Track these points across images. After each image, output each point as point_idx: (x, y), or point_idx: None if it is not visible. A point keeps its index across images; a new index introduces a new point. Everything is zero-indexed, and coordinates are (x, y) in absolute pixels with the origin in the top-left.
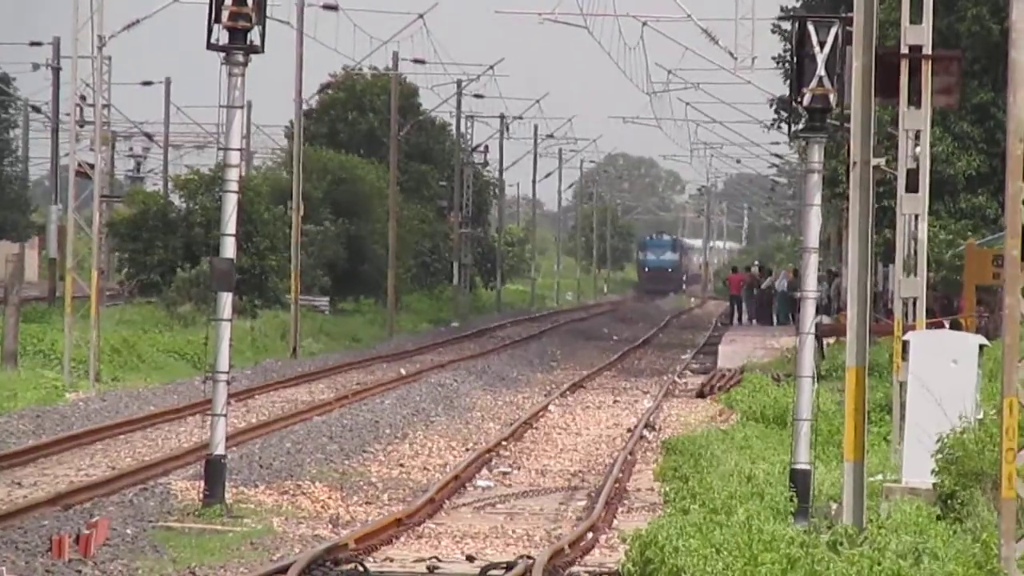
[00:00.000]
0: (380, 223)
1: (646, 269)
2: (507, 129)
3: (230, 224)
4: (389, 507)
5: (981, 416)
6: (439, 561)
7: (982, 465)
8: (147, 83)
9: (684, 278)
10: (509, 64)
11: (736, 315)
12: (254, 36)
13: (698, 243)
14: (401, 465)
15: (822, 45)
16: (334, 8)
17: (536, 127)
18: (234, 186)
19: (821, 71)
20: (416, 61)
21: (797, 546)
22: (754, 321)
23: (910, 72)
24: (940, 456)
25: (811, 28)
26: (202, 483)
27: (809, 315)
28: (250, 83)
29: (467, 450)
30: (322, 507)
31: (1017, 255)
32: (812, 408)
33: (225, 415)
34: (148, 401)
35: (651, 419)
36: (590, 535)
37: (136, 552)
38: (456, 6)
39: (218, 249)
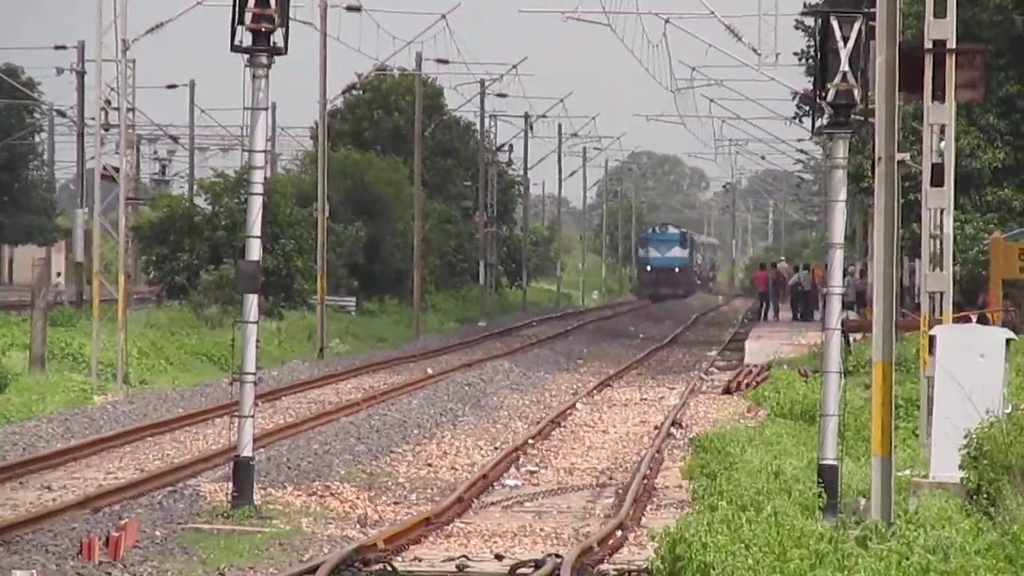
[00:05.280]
0: (402, 222)
1: (648, 268)
2: (531, 128)
3: (255, 226)
4: (418, 507)
5: (1009, 410)
6: (468, 560)
7: (1010, 458)
8: (172, 86)
9: (712, 277)
10: (532, 63)
11: (764, 312)
12: (277, 38)
13: (712, 239)
14: (429, 465)
15: (846, 40)
16: (357, 9)
17: (560, 126)
18: (259, 188)
19: (845, 66)
20: (440, 61)
21: (825, 541)
22: (779, 316)
23: (934, 66)
24: (968, 450)
25: (835, 23)
26: (230, 485)
27: (835, 311)
28: (274, 85)
29: (495, 449)
30: (351, 507)
31: None
32: (839, 404)
33: (252, 416)
34: (176, 403)
35: (678, 416)
36: (619, 533)
37: (165, 554)
38: (479, 6)
39: (243, 251)
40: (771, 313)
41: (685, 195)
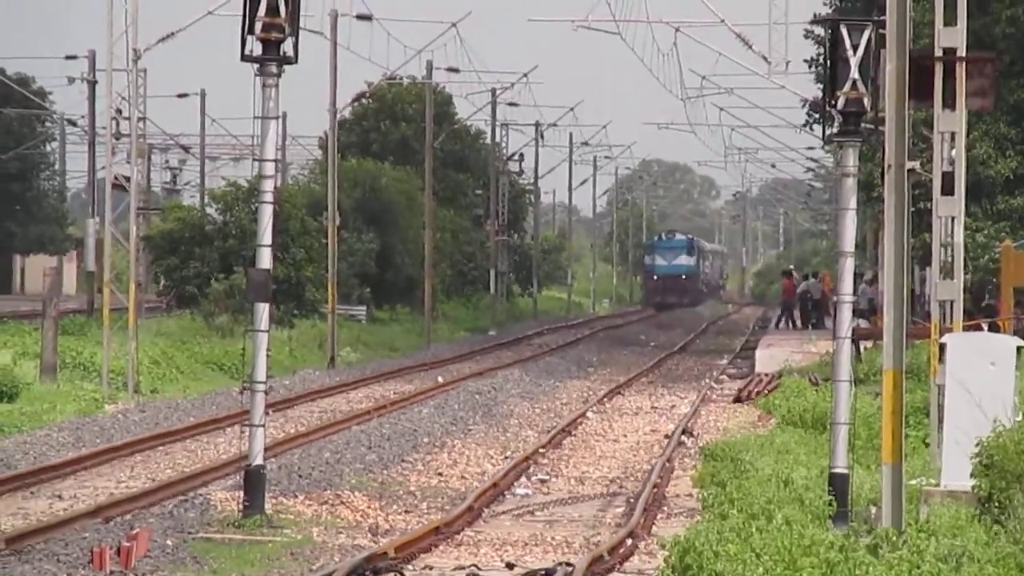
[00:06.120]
0: (413, 231)
1: (655, 277)
2: (542, 136)
3: (266, 235)
4: (428, 516)
5: (1020, 418)
6: (478, 569)
7: (1021, 467)
8: (182, 95)
9: (721, 285)
10: (543, 72)
11: (778, 320)
12: (287, 47)
13: (720, 247)
14: (440, 474)
15: (855, 48)
16: (367, 18)
17: (571, 134)
18: (269, 197)
19: (855, 74)
20: (450, 70)
21: (836, 550)
22: (792, 325)
23: (944, 74)
24: (978, 459)
25: (844, 32)
26: (242, 494)
27: (846, 319)
28: (284, 94)
29: (505, 458)
30: (361, 516)
31: None
32: (850, 412)
33: (263, 425)
34: (187, 412)
35: (689, 425)
36: (629, 541)
37: (176, 563)
38: (489, 15)
39: (254, 260)
40: (782, 322)
41: (695, 203)
